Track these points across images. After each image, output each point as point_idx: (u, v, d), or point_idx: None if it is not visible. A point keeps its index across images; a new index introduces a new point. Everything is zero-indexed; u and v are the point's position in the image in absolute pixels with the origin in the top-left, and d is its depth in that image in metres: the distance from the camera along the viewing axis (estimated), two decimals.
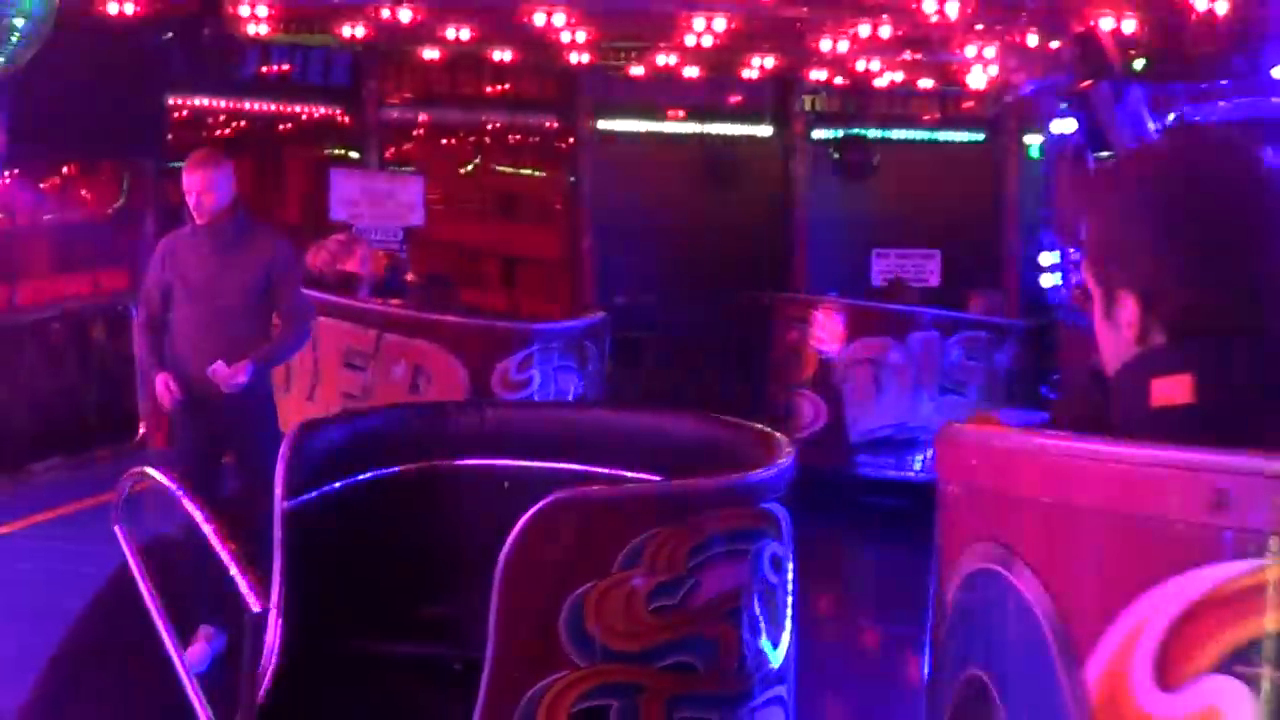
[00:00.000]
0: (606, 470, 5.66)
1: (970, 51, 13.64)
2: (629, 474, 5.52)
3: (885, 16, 12.87)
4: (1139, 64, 8.24)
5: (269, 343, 7.95)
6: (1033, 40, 12.11)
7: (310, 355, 9.41)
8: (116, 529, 5.28)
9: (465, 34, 14.64)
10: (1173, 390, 2.19)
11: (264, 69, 15.52)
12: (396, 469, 5.95)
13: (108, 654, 7.68)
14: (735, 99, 17.83)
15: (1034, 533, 2.15)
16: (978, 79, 15.24)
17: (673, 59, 15.55)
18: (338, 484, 5.60)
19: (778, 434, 5.08)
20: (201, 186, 7.82)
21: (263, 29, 13.87)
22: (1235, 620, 1.82)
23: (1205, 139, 2.61)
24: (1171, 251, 2.22)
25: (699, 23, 13.58)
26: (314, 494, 5.39)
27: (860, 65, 15.65)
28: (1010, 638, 2.20)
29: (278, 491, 5.05)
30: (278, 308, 8.00)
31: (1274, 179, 2.29)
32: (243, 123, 17.12)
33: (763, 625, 4.53)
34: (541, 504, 4.20)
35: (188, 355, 7.90)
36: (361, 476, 5.75)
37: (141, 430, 13.31)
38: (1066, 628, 2.06)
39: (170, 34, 12.27)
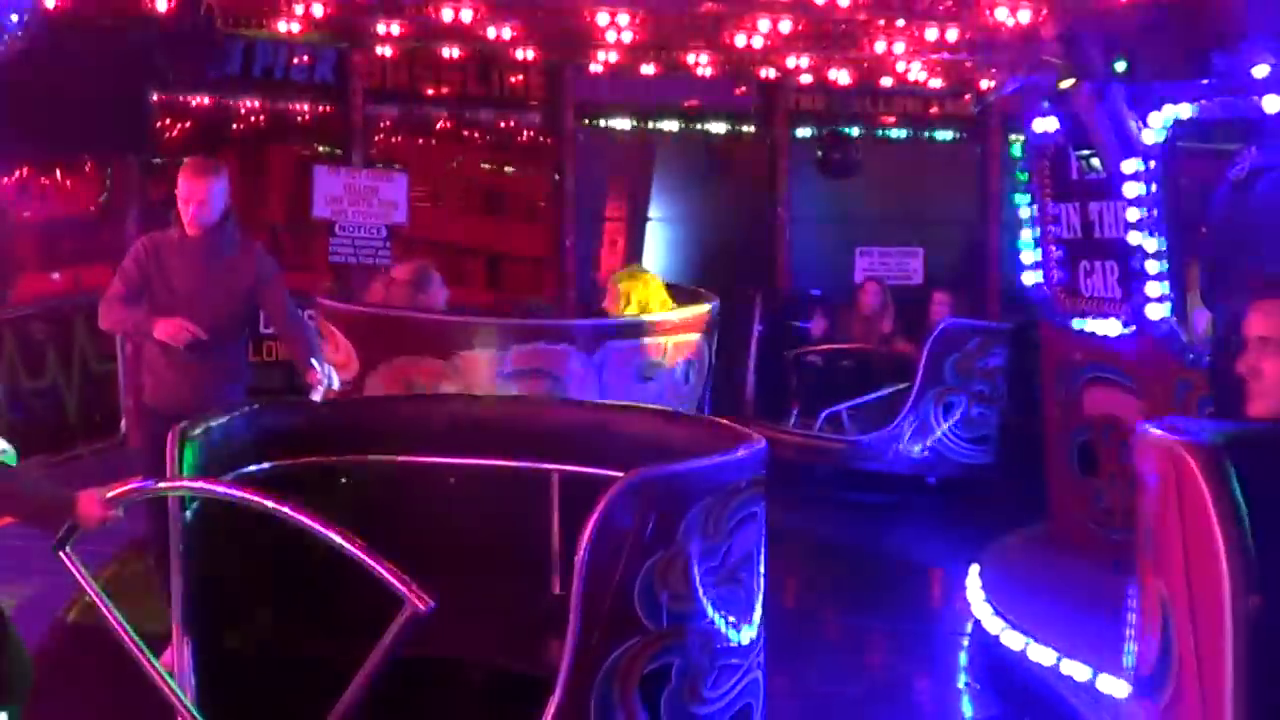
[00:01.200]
0: (572, 468, 5.83)
1: (879, 47, 13.67)
2: (596, 471, 5.71)
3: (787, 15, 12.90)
4: (1120, 65, 8.24)
5: (237, 359, 7.99)
6: (931, 34, 12.21)
7: (595, 381, 9.44)
8: (62, 555, 5.25)
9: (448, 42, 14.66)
10: None
11: (249, 66, 15.52)
12: (331, 461, 6.02)
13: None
14: (719, 97, 17.84)
15: None
16: (942, 79, 15.35)
17: (613, 56, 15.48)
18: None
19: (742, 428, 5.51)
20: (201, 196, 7.76)
21: (295, 26, 13.87)
22: None
23: None
24: None
25: (623, 18, 13.53)
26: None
27: (790, 62, 15.60)
28: None
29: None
30: (275, 317, 7.99)
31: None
32: (227, 119, 17.10)
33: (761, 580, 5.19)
34: (623, 483, 4.62)
35: (164, 366, 7.85)
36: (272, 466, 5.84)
37: (123, 428, 13.30)
38: None
39: (155, 30, 12.24)
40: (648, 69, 15.99)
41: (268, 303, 8.04)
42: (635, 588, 4.59)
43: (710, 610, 4.84)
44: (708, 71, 15.99)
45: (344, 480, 5.39)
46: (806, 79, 16.54)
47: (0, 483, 5.48)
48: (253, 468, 5.79)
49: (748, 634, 5.04)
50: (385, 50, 15.74)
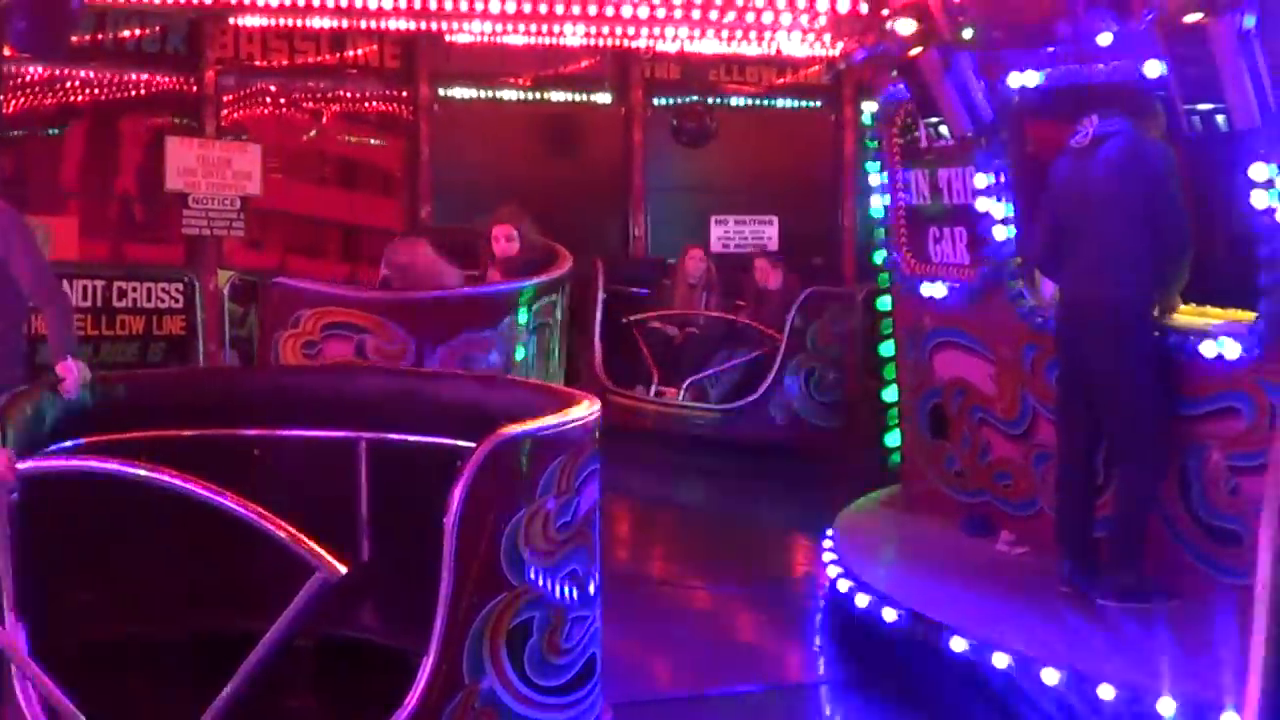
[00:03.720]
0: (381, 435, 5.92)
1: (768, 18, 13.74)
2: (407, 437, 5.84)
3: None
4: (967, 33, 8.34)
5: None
6: (842, 6, 12.30)
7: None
8: None
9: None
10: None
11: (100, 36, 15.36)
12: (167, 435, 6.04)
13: None
14: (574, 67, 17.86)
15: None
16: (794, 47, 15.43)
17: (488, 26, 15.46)
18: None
19: (580, 392, 5.66)
20: None
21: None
22: None
23: None
24: None
25: None
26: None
27: (670, 32, 15.67)
28: None
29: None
30: (20, 280, 7.55)
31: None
32: (79, 90, 16.90)
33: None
34: (490, 443, 4.73)
35: None
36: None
37: None
38: None
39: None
40: (513, 39, 15.98)
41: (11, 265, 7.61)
42: (501, 546, 4.70)
43: (566, 564, 4.97)
44: (575, 42, 16.02)
45: (147, 458, 5.38)
46: (668, 47, 16.58)
47: None
48: (65, 444, 5.80)
49: (592, 586, 5.18)
50: (244, 20, 15.63)
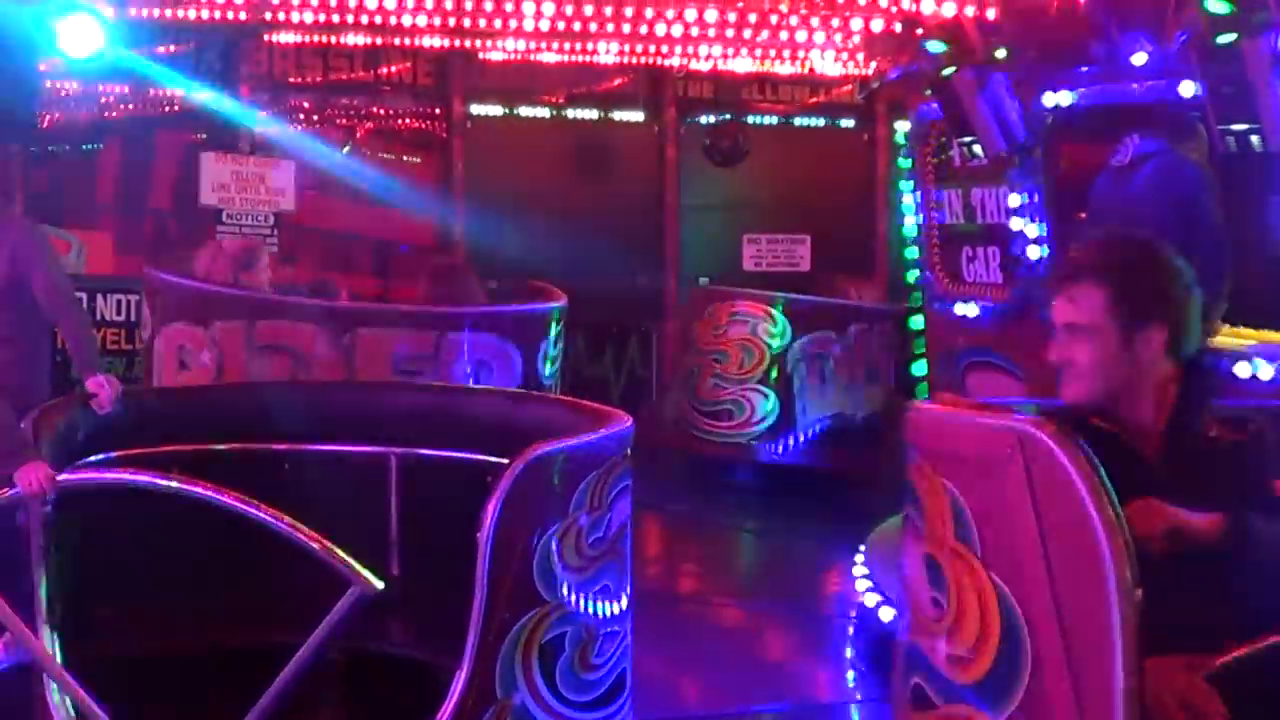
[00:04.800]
0: (412, 450, 5.93)
1: (801, 36, 13.76)
2: (438, 453, 5.84)
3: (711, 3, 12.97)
4: (1001, 52, 8.34)
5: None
6: (856, 24, 12.28)
7: (342, 370, 9.21)
8: None
9: (323, 17, 14.61)
10: None
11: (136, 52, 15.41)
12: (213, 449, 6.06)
13: None
14: (608, 85, 17.87)
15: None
16: (828, 66, 15.43)
17: (521, 44, 15.51)
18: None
19: (611, 409, 5.63)
20: None
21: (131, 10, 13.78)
22: None
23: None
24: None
25: (528, 7, 13.56)
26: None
27: (703, 51, 15.70)
28: None
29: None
30: (36, 296, 7.62)
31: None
32: (113, 106, 16.97)
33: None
34: (524, 458, 4.76)
35: None
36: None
37: None
38: None
39: (40, 14, 12.13)
40: (544, 57, 16.01)
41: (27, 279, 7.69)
42: (533, 561, 4.68)
43: (598, 579, 4.99)
44: (608, 60, 16.04)
45: (178, 471, 5.39)
46: (702, 66, 16.60)
47: None
48: (96, 458, 5.82)
49: (623, 601, 5.19)
50: (279, 37, 15.67)
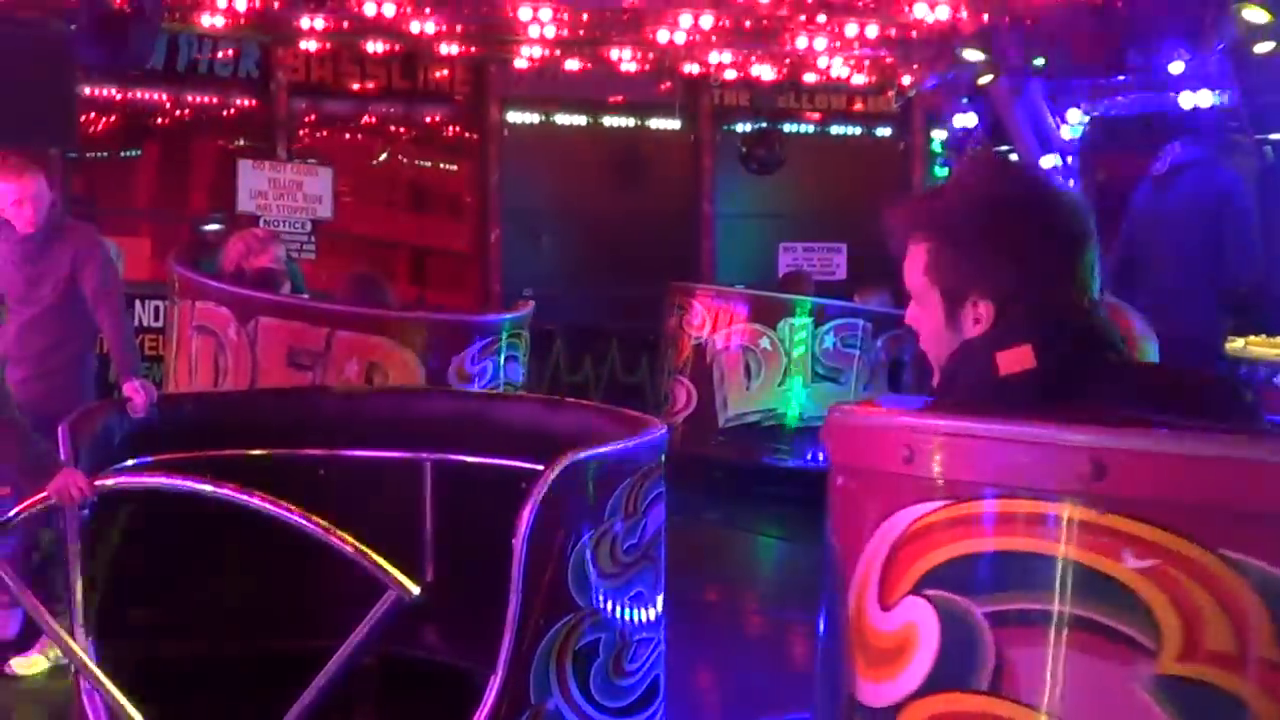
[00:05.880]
0: (483, 459, 5.93)
1: (801, 43, 13.77)
2: (472, 459, 5.84)
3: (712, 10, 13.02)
4: (1038, 61, 8.33)
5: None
6: (872, 32, 12.29)
7: (247, 356, 9.27)
8: None
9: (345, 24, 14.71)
10: (1016, 360, 2.75)
11: (172, 59, 15.46)
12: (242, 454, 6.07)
13: None
14: (644, 93, 17.87)
15: (836, 489, 2.71)
16: (863, 75, 15.45)
17: (539, 51, 15.56)
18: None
19: (647, 415, 5.67)
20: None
21: (219, 20, 13.89)
22: (922, 552, 2.39)
23: (1009, 169, 3.38)
24: (1024, 267, 2.85)
25: (545, 13, 13.59)
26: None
27: (713, 58, 15.74)
28: (825, 578, 2.72)
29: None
30: (85, 298, 7.86)
31: (1067, 193, 2.89)
32: (150, 113, 17.03)
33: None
34: (559, 465, 4.72)
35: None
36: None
37: None
38: (843, 563, 2.61)
39: (76, 22, 12.19)
40: (572, 64, 16.04)
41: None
42: (568, 568, 4.70)
43: (632, 586, 4.97)
44: (632, 67, 16.06)
45: (213, 477, 5.42)
46: (730, 74, 16.63)
47: (12, 426, 5.56)
48: (131, 462, 5.85)
49: (658, 608, 5.18)
50: (310, 45, 15.71)
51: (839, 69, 15.69)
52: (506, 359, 9.89)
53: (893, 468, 2.49)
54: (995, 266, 2.87)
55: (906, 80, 14.54)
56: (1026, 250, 2.86)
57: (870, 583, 2.52)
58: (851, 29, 12.71)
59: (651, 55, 15.84)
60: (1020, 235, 2.87)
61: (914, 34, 11.08)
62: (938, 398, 2.94)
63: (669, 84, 17.37)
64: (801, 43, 13.91)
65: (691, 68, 16.41)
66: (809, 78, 16.65)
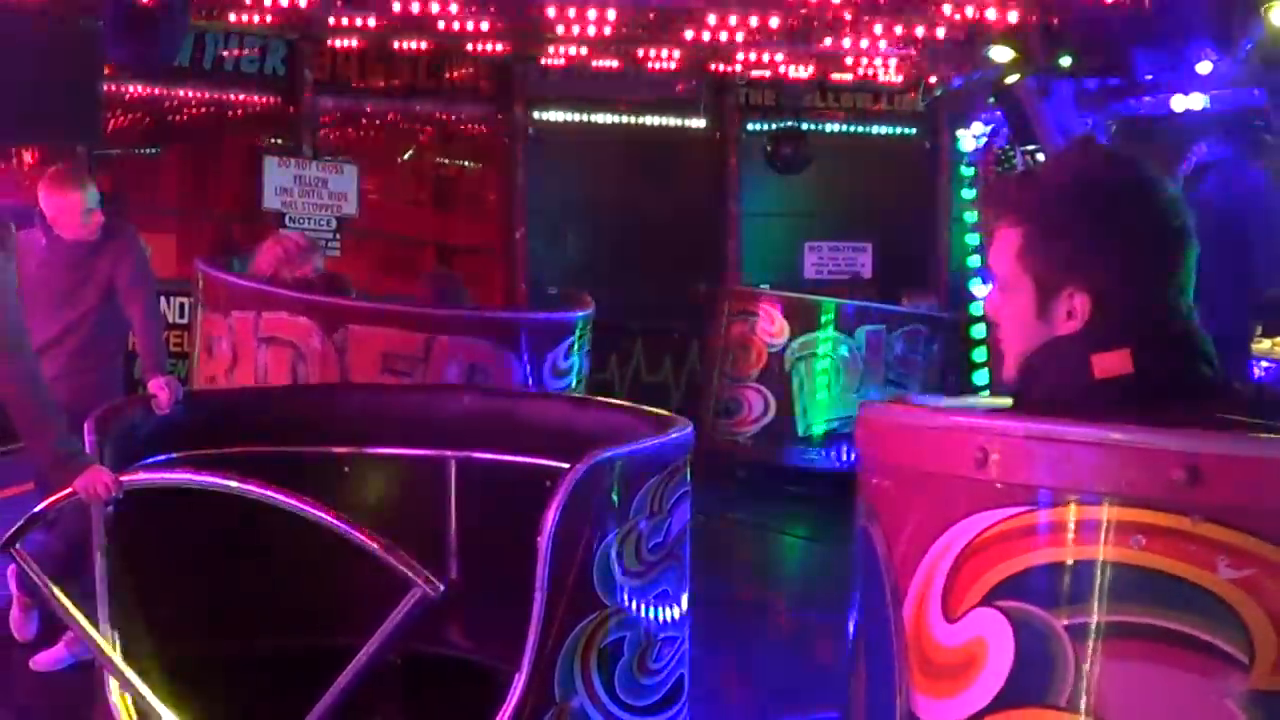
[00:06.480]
0: (508, 457, 5.93)
1: (864, 44, 13.76)
2: (497, 457, 5.84)
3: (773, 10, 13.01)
4: (1065, 60, 8.31)
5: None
6: (919, 31, 12.25)
7: (335, 364, 9.20)
8: (14, 552, 5.35)
9: (373, 22, 14.74)
10: (1114, 364, 2.60)
11: (199, 57, 15.50)
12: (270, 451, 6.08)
13: None
14: (669, 91, 17.87)
15: (878, 492, 2.60)
16: (891, 74, 15.41)
17: (583, 50, 15.59)
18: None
19: (672, 414, 5.58)
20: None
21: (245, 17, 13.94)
22: (995, 561, 2.27)
23: (1111, 154, 2.89)
24: (1131, 259, 2.66)
25: (591, 13, 13.60)
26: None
27: (764, 58, 15.75)
28: (862, 583, 2.65)
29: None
30: (119, 292, 7.93)
31: (1170, 185, 2.63)
32: (178, 110, 17.07)
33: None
34: (585, 463, 4.68)
35: None
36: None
37: None
38: (895, 571, 2.48)
39: (102, 19, 12.21)
40: (608, 63, 16.06)
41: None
42: (593, 566, 4.70)
43: (657, 584, 4.97)
44: (670, 66, 16.08)
45: (237, 473, 5.43)
46: (763, 73, 16.63)
47: (46, 419, 5.57)
48: (157, 459, 5.86)
49: (682, 606, 5.17)
50: (342, 41, 15.75)
51: (880, 70, 15.68)
52: (585, 353, 10.08)
53: (962, 471, 2.35)
54: (1096, 256, 2.68)
55: (933, 79, 14.54)
56: (1130, 241, 2.69)
57: (932, 594, 2.41)
58: (920, 30, 12.66)
59: (679, 54, 15.85)
60: (1124, 224, 2.69)
61: (941, 33, 11.07)
62: (1017, 394, 2.79)
63: (695, 82, 17.40)
64: (847, 42, 13.89)
65: (720, 66, 16.42)
66: (843, 76, 16.66)
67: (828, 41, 14.12)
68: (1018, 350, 2.80)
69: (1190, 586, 2.13)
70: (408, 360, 9.20)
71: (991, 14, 8.55)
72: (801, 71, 16.27)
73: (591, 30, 14.16)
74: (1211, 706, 2.12)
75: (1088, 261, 2.68)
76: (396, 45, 15.79)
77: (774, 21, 13.40)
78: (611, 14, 13.65)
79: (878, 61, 15.27)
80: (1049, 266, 2.71)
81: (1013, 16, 8.59)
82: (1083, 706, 2.18)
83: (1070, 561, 2.23)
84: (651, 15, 14.08)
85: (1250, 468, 2.11)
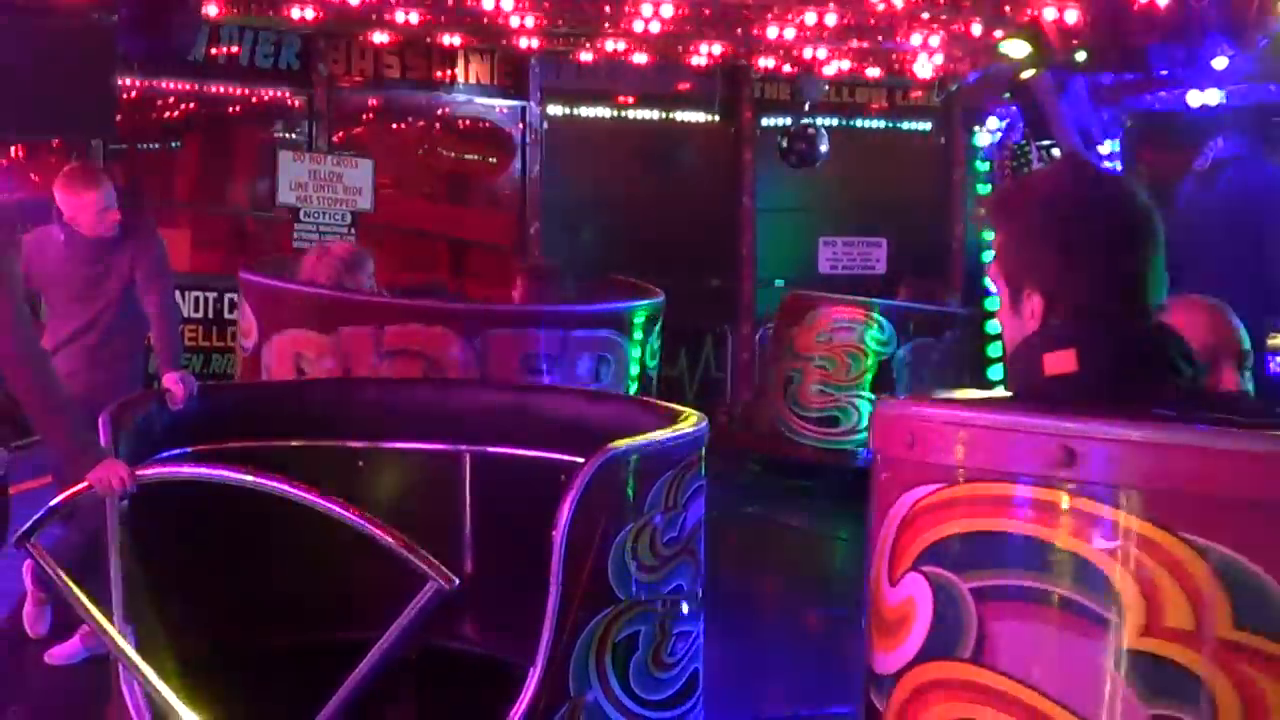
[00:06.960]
0: (522, 451, 5.93)
1: (915, 40, 13.72)
2: (512, 451, 5.84)
3: (831, 4, 12.96)
4: (1081, 55, 8.29)
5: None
6: (976, 30, 12.20)
7: (475, 370, 9.16)
8: (29, 547, 5.36)
9: (414, 17, 14.72)
10: (1060, 362, 2.78)
11: (214, 50, 15.51)
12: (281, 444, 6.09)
13: None
14: (684, 86, 17.86)
15: (873, 477, 2.85)
16: (924, 68, 15.35)
17: (621, 45, 15.61)
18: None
19: (687, 409, 5.56)
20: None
21: (212, 10, 13.89)
22: (921, 530, 2.61)
23: (1086, 170, 3.12)
24: (1069, 265, 2.85)
25: (646, 9, 13.61)
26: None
27: (807, 53, 15.74)
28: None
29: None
30: (137, 284, 7.92)
31: (1137, 200, 2.89)
32: (192, 104, 17.10)
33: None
34: (600, 457, 4.71)
35: None
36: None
37: None
38: (869, 545, 2.82)
39: (117, 14, 12.21)
40: (639, 58, 16.08)
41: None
42: (608, 560, 4.70)
43: (672, 579, 4.96)
44: (702, 63, 16.10)
45: (252, 467, 5.43)
46: (830, 70, 16.59)
47: (61, 412, 5.58)
48: (172, 453, 5.87)
49: (697, 601, 5.17)
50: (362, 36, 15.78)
51: (919, 68, 15.66)
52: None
53: (898, 453, 2.72)
54: (1042, 259, 2.88)
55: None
56: (1072, 248, 2.85)
57: (883, 560, 2.73)
58: (977, 28, 12.61)
59: (719, 50, 15.87)
60: (1068, 232, 2.86)
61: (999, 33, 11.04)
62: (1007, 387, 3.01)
63: (709, 77, 17.39)
64: (915, 40, 13.87)
65: (749, 61, 16.45)
66: (873, 72, 16.66)
67: (897, 41, 14.10)
68: (1006, 346, 3.06)
69: (1070, 555, 2.42)
70: (547, 358, 9.23)
71: (1050, 13, 8.53)
72: (832, 68, 16.25)
73: (655, 27, 14.15)
74: (1089, 662, 2.40)
75: (1036, 264, 2.90)
76: (410, 40, 15.79)
77: (830, 19, 13.36)
78: (667, 10, 13.62)
79: (921, 56, 15.20)
80: (1012, 268, 2.96)
81: (1071, 16, 8.55)
82: (984, 660, 2.50)
83: (975, 531, 2.54)
84: (707, 11, 14.06)
85: (1119, 449, 2.38)
